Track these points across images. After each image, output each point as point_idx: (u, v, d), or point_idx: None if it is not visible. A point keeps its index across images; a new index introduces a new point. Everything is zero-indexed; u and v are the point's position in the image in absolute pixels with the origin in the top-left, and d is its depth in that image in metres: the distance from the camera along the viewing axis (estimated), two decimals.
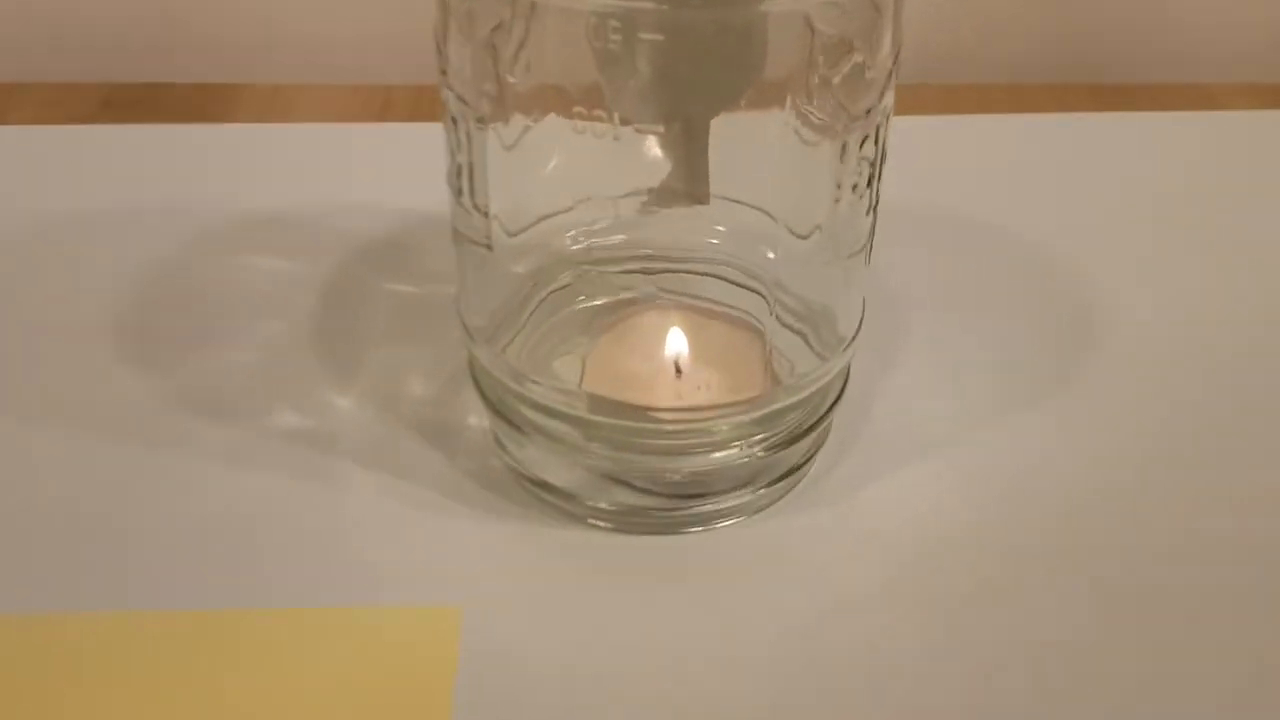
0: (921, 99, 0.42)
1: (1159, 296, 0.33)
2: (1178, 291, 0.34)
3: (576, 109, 0.22)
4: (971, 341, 0.32)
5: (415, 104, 0.43)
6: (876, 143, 0.24)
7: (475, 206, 0.25)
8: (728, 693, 0.23)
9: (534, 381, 0.25)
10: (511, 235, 0.26)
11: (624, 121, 0.22)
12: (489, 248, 0.25)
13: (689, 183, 0.24)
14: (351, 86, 0.44)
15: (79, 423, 0.29)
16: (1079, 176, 0.39)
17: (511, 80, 0.23)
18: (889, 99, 0.24)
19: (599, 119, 0.22)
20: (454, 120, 0.24)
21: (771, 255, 0.26)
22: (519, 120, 0.23)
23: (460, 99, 0.23)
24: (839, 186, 0.24)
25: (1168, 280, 0.34)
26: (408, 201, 0.35)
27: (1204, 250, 0.35)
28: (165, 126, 0.40)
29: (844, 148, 0.23)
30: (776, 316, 0.26)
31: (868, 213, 0.25)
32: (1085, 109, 0.43)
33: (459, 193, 0.25)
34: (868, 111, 0.23)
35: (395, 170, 0.35)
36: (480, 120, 0.24)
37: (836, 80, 0.22)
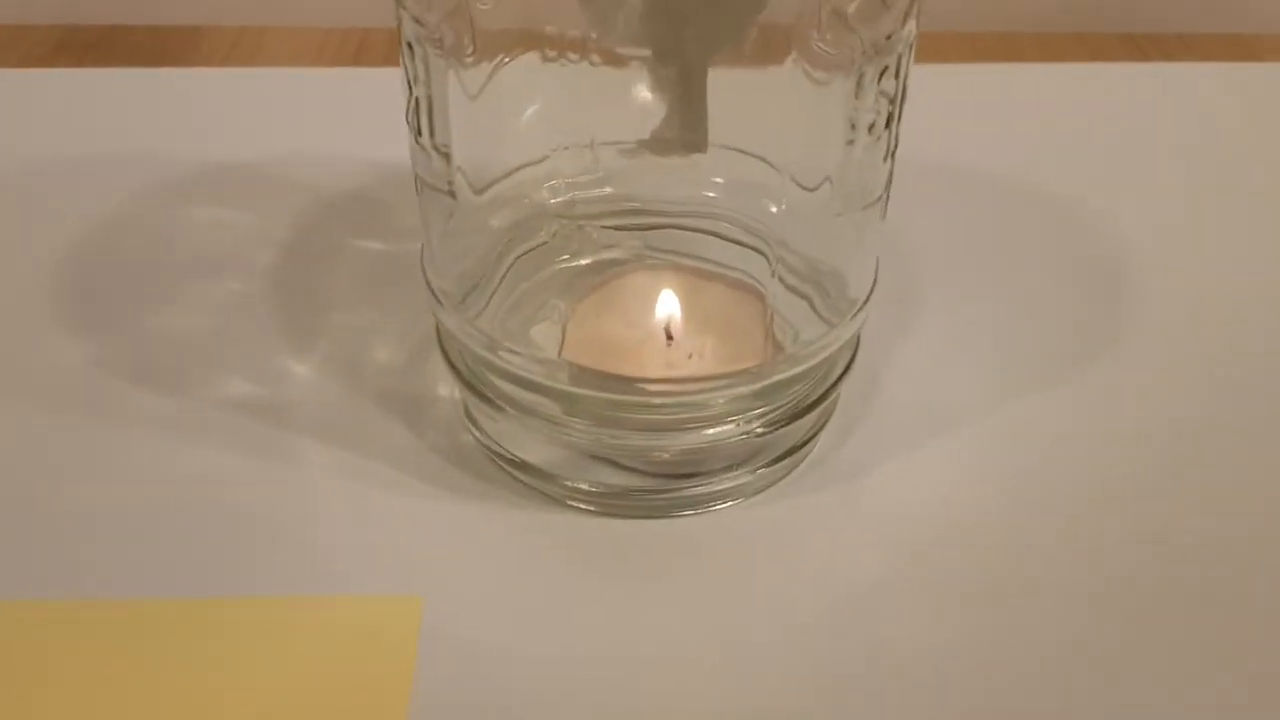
0: (943, 47, 0.43)
1: (1194, 260, 0.33)
2: (1215, 256, 0.33)
3: (553, 45, 0.21)
4: (992, 308, 0.31)
5: (392, 48, 0.41)
6: (897, 76, 0.23)
7: (436, 148, 0.24)
8: (720, 692, 0.22)
9: (509, 350, 0.24)
10: (478, 192, 0.25)
11: (608, 57, 0.21)
12: (453, 196, 0.24)
13: (684, 129, 0.23)
14: (324, 29, 0.43)
15: (7, 391, 0.27)
16: (1110, 130, 0.38)
17: (483, 7, 0.21)
18: (912, 26, 0.22)
19: (576, 57, 0.21)
20: (409, 46, 0.23)
21: (775, 209, 0.25)
22: (488, 59, 0.22)
23: (416, 20, 0.22)
24: (853, 127, 0.23)
25: (1204, 243, 0.34)
26: (381, 153, 0.34)
27: (1242, 211, 0.35)
28: (122, 70, 0.40)
29: (860, 81, 0.22)
30: (779, 277, 0.25)
31: (885, 158, 0.24)
32: (1117, 59, 0.43)
33: (417, 132, 0.24)
34: (888, 37, 0.22)
35: (369, 119, 0.34)
36: (439, 44, 0.22)
37: (851, 9, 0.21)
